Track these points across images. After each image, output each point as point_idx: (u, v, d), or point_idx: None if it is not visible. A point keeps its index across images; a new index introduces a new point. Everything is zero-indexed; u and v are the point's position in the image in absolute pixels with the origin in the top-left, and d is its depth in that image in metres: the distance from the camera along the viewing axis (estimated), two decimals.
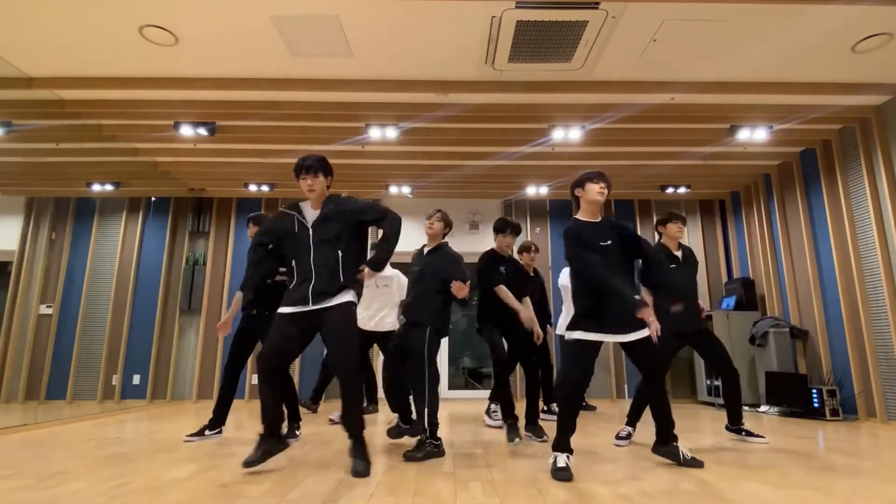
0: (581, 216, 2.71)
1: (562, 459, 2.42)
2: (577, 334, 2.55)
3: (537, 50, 3.69)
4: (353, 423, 2.52)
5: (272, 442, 2.55)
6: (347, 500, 1.99)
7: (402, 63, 3.92)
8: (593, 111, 4.51)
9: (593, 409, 5.32)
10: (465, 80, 4.15)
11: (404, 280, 4.47)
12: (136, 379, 6.29)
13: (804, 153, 5.36)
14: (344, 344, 2.52)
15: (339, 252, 2.60)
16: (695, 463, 2.62)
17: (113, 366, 6.30)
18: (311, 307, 2.54)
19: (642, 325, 2.56)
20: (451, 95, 4.26)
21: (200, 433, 3.42)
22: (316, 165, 2.65)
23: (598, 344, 2.57)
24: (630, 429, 3.36)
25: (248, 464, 2.44)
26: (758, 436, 3.38)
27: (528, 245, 4.28)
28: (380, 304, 4.39)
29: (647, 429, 3.91)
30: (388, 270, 4.50)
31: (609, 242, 2.61)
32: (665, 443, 2.69)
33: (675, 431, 2.70)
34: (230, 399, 3.46)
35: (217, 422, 3.46)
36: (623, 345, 2.63)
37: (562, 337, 4.78)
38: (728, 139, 4.96)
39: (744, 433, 3.40)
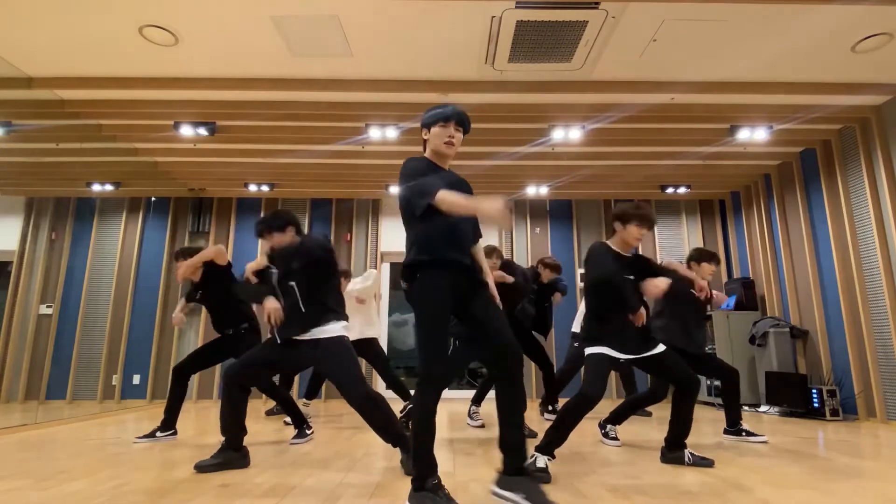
0: (613, 245, 2.70)
1: (542, 460, 2.39)
2: (604, 350, 2.57)
3: (537, 50, 3.69)
4: (389, 438, 2.51)
5: (232, 455, 2.55)
6: (347, 500, 1.99)
7: (402, 63, 3.92)
8: (593, 111, 4.51)
9: None
10: (465, 80, 4.14)
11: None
12: (136, 379, 6.29)
13: (804, 153, 5.36)
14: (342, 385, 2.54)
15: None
16: (704, 462, 2.62)
17: (113, 366, 6.29)
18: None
19: (655, 343, 2.65)
20: (451, 95, 4.26)
21: (152, 435, 3.41)
22: (259, 228, 2.84)
23: (617, 359, 2.62)
24: (615, 427, 3.39)
25: (199, 467, 2.46)
26: (757, 435, 3.38)
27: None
28: (361, 320, 4.43)
29: (643, 428, 3.91)
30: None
31: (632, 278, 2.66)
32: (674, 449, 2.69)
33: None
34: (182, 401, 3.49)
35: (170, 423, 3.44)
36: (642, 364, 2.66)
37: (576, 334, 4.79)
38: (728, 139, 4.96)
39: (744, 433, 3.39)
